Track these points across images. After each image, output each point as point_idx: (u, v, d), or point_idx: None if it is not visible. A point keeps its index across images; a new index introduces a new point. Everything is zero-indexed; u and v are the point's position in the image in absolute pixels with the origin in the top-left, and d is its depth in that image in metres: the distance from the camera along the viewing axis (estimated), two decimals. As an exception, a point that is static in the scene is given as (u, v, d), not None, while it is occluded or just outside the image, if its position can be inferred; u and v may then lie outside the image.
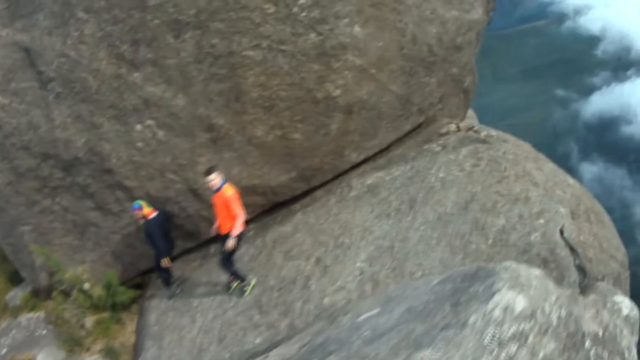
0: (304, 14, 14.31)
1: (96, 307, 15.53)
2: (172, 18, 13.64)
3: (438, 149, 17.43)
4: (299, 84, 14.90)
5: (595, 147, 64.55)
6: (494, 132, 17.95)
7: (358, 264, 14.61)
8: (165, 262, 14.92)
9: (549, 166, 16.42)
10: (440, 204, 15.12)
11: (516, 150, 16.57)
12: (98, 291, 15.52)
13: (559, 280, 12.94)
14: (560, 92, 69.41)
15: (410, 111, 17.72)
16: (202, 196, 15.36)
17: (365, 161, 17.78)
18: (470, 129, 18.47)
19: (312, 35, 14.57)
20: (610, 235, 15.72)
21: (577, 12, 79.37)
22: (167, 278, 15.58)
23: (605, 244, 15.01)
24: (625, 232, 15.67)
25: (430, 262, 13.88)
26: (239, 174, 15.53)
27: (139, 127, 14.71)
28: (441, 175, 16.01)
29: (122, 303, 15.82)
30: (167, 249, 15.10)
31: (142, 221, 14.88)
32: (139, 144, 14.83)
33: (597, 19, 77.37)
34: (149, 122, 14.64)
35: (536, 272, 7.49)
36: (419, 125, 18.59)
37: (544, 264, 13.33)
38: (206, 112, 14.69)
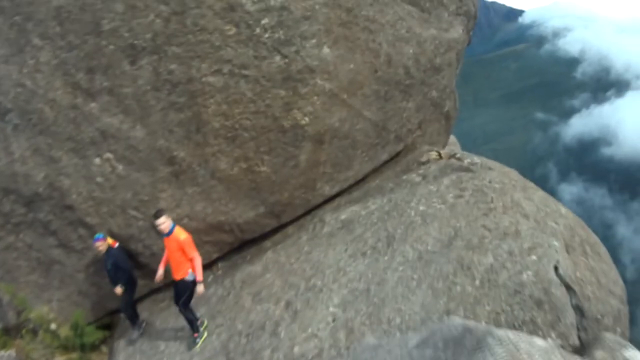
0: (267, 35, 13.10)
1: (65, 348, 14.61)
2: (128, 43, 12.78)
3: (418, 179, 15.75)
4: (264, 111, 13.74)
5: (575, 168, 63.82)
6: (477, 159, 16.28)
7: (331, 309, 12.90)
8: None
9: (539, 195, 14.72)
10: (420, 241, 13.39)
11: (502, 179, 14.87)
12: (66, 331, 14.63)
13: (554, 324, 11.42)
14: (540, 115, 69.01)
15: (386, 139, 16.22)
16: None
17: (339, 194, 16.24)
18: (452, 156, 16.84)
19: (277, 58, 13.36)
20: (608, 268, 13.97)
21: (556, 34, 78.82)
22: (133, 318, 14.57)
23: (603, 279, 13.29)
24: (608, 252, 13.94)
25: (410, 307, 12.15)
26: (203, 210, 14.48)
27: (97, 160, 13.72)
28: (421, 208, 14.28)
29: (91, 344, 14.89)
30: (133, 280, 14.22)
31: (102, 253, 13.82)
32: (99, 179, 13.83)
33: (576, 40, 76.91)
34: (108, 155, 13.66)
35: (540, 343, 5.67)
36: (397, 154, 17.04)
37: (537, 306, 11.69)
38: (166, 144, 13.61)
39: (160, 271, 13.50)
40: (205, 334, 13.67)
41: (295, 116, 14.01)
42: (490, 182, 14.78)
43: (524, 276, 12.14)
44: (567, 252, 13.00)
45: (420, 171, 16.14)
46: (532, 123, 68.39)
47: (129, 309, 14.52)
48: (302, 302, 13.40)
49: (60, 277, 14.95)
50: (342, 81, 14.27)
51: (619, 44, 73.79)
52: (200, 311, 14.28)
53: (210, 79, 13.10)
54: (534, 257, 12.48)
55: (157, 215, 12.78)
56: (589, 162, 63.57)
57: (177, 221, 13.64)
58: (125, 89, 13.09)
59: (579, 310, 12.05)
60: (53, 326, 14.68)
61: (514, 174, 15.87)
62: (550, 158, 65.08)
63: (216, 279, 15.32)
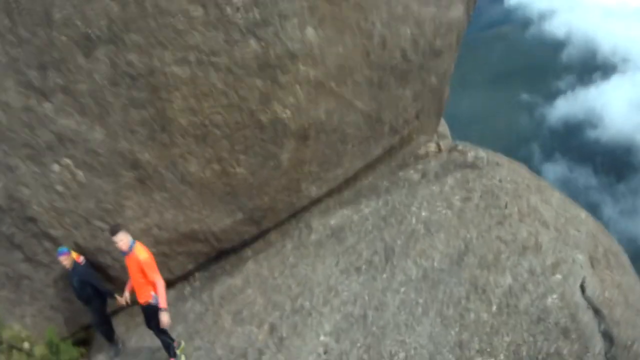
0: (239, 15, 10.94)
1: None
2: (81, 33, 10.94)
3: (417, 176, 13.46)
4: (238, 105, 11.69)
5: (560, 149, 61.97)
6: (482, 153, 14.00)
7: (322, 338, 10.83)
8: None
9: (556, 197, 12.54)
10: (425, 256, 11.12)
11: (514, 177, 12.61)
12: (41, 350, 13.24)
13: (582, 355, 9.71)
14: (526, 97, 66.73)
15: (380, 132, 13.89)
16: None
17: (328, 194, 13.91)
18: (453, 148, 14.52)
19: (252, 42, 11.21)
20: (633, 282, 11.97)
21: (542, 17, 76.42)
22: (108, 334, 13.05)
23: (631, 296, 11.23)
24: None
25: (415, 339, 10.03)
26: (174, 218, 12.73)
27: (56, 167, 12.11)
28: (424, 214, 11.97)
29: None
30: (104, 295, 12.57)
31: (69, 267, 12.35)
32: (59, 188, 12.24)
33: (562, 23, 74.62)
34: (66, 161, 12.01)
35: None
36: (392, 148, 14.53)
37: (563, 335, 9.80)
38: (128, 146, 11.87)
39: (126, 293, 11.91)
40: (183, 358, 11.91)
41: (275, 109, 11.86)
42: (500, 181, 12.52)
43: (549, 300, 10.17)
44: (592, 266, 11.02)
45: (419, 167, 13.86)
46: (518, 105, 66.28)
47: (102, 325, 13.00)
48: (288, 326, 11.39)
49: (30, 292, 13.51)
50: (329, 67, 12.01)
51: (606, 28, 71.59)
52: (176, 330, 12.41)
53: (175, 69, 11.17)
54: (558, 277, 10.48)
55: (114, 231, 11.14)
56: (575, 144, 61.74)
57: (145, 231, 12.49)
58: (81, 86, 11.31)
59: (607, 337, 10.21)
60: (26, 345, 13.36)
61: (523, 170, 13.69)
62: (536, 139, 63.09)
63: (193, 292, 13.48)
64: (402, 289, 10.74)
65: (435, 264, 10.94)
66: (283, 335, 11.26)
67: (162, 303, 11.02)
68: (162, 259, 12.90)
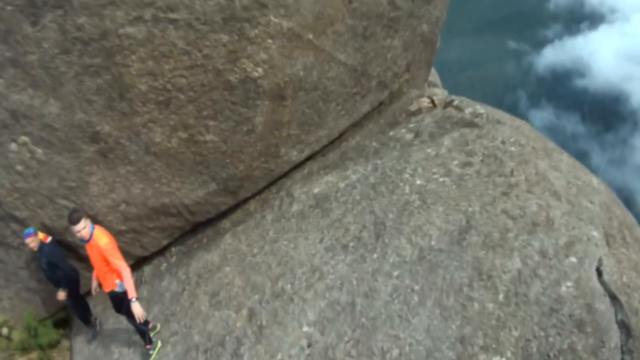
0: None
1: (24, 349, 12.50)
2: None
3: (409, 136, 11.59)
4: (203, 65, 10.04)
5: (548, 97, 60.38)
6: (481, 108, 12.13)
7: (305, 329, 9.09)
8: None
9: (565, 161, 10.73)
10: (421, 233, 9.30)
11: (518, 138, 10.77)
12: (19, 334, 12.56)
13: (597, 350, 8.06)
14: (514, 45, 64.73)
15: (367, 87, 12.02)
16: (104, 222, 11.36)
17: (311, 158, 12.15)
18: (448, 104, 12.62)
19: None
20: None
21: (530, -35, 73.85)
22: (84, 316, 12.05)
23: (648, 279, 9.41)
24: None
25: (411, 333, 8.33)
26: (142, 192, 11.33)
27: (13, 146, 10.94)
28: (418, 182, 10.12)
29: (49, 343, 12.63)
30: (75, 275, 11.58)
31: (36, 249, 11.26)
32: (19, 167, 11.06)
33: (550, -28, 72.05)
34: (24, 138, 10.80)
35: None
36: (381, 103, 12.71)
37: (578, 328, 8.12)
38: (86, 118, 10.47)
39: (94, 282, 10.90)
40: (159, 345, 10.70)
41: (245, 67, 10.05)
42: (503, 142, 10.68)
43: (562, 288, 8.43)
44: (608, 243, 9.22)
45: (411, 125, 11.97)
46: (505, 53, 64.30)
47: (77, 308, 11.96)
48: (268, 313, 9.72)
49: (4, 275, 12.54)
50: (306, 17, 10.10)
51: (593, -23, 69.37)
52: (153, 311, 11.28)
53: (129, 30, 9.64)
54: (573, 259, 8.71)
55: (73, 219, 9.91)
56: (562, 92, 60.06)
57: (112, 208, 11.36)
58: (31, 57, 9.98)
59: (624, 328, 8.56)
60: (5, 331, 12.64)
61: (527, 128, 11.79)
62: (523, 87, 61.43)
63: (169, 268, 12.04)
64: (395, 273, 8.95)
65: (433, 242, 9.13)
66: (263, 323, 9.60)
67: (131, 292, 9.78)
68: (134, 236, 11.81)
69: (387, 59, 11.85)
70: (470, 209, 9.39)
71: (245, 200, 12.04)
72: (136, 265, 12.17)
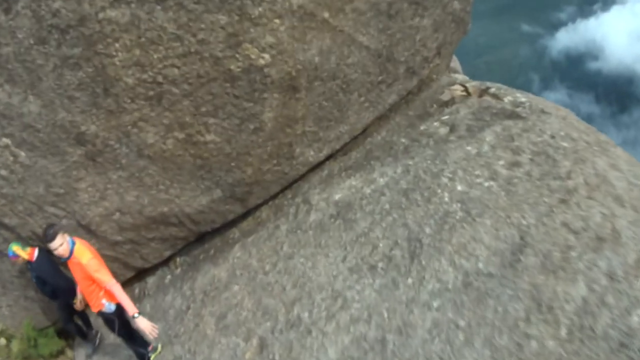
0: None
1: (25, 358, 11.44)
2: None
3: (443, 130, 9.47)
4: (198, 52, 7.95)
5: (561, 79, 58.11)
6: (522, 96, 9.92)
7: None
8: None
9: (622, 157, 8.65)
10: (465, 252, 7.18)
11: (568, 130, 8.67)
12: (18, 344, 11.43)
13: None
14: (527, 28, 62.34)
15: (394, 74, 9.84)
16: (98, 232, 9.86)
17: (331, 156, 10.07)
18: (484, 91, 10.44)
19: None
20: None
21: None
22: (79, 330, 10.65)
23: None
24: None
25: None
26: (137, 200, 9.51)
27: None
28: (460, 188, 8.00)
29: (50, 353, 11.48)
30: (69, 286, 9.83)
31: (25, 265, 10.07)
32: (3, 172, 9.48)
33: (562, -46, 69.26)
34: (5, 140, 9.15)
35: None
36: (408, 93, 10.55)
37: None
38: (69, 117, 8.64)
39: (79, 296, 9.69)
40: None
41: (248, 54, 7.91)
42: (553, 137, 8.52)
43: (634, 318, 6.35)
44: None
45: (445, 117, 9.85)
46: (520, 36, 61.88)
47: (70, 323, 10.50)
48: (281, 346, 7.82)
49: (2, 283, 11.18)
50: None
51: (606, -43, 66.53)
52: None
53: (111, 13, 7.66)
54: None
55: (48, 236, 8.49)
56: (576, 75, 57.58)
57: (106, 217, 9.69)
58: (5, 49, 8.25)
59: None
60: (2, 341, 11.63)
61: (573, 118, 9.60)
62: (537, 71, 59.13)
63: (174, 281, 10.24)
64: (435, 304, 6.87)
65: (481, 265, 7.02)
66: (275, 357, 7.71)
67: (130, 308, 8.20)
68: (132, 247, 10.16)
69: (416, 42, 9.70)
70: (524, 222, 7.27)
71: (257, 207, 10.05)
72: (139, 276, 10.73)
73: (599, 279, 6.63)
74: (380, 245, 7.88)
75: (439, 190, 8.14)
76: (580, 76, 58.79)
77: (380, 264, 7.67)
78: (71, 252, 8.49)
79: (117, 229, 9.77)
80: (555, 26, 64.62)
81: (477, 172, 8.16)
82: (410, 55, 9.75)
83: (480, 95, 10.36)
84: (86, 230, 9.92)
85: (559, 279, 6.66)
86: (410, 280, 7.26)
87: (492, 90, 10.34)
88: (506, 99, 9.89)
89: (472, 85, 10.80)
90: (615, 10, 65.25)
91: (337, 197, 9.03)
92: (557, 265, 6.77)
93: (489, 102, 9.94)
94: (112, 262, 10.20)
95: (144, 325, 8.18)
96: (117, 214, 9.62)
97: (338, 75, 8.80)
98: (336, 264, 8.03)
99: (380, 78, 9.52)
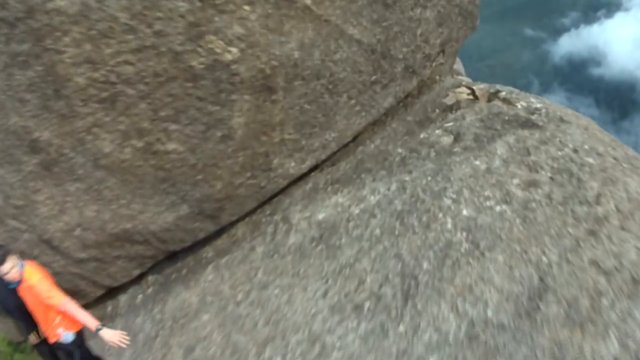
0: None
1: None
2: None
3: (447, 139, 7.94)
4: (154, 46, 6.45)
5: (562, 83, 57.22)
6: (537, 102, 8.34)
7: None
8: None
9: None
10: (471, 296, 5.61)
11: (593, 143, 7.18)
12: None
13: None
14: (531, 32, 61.38)
15: (390, 73, 8.23)
16: (61, 249, 8.48)
17: (316, 166, 8.52)
18: (494, 95, 8.91)
19: None
20: None
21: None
22: (52, 354, 8.87)
23: None
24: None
25: None
26: (97, 215, 8.03)
27: None
28: (465, 212, 6.43)
29: None
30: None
31: None
32: None
33: (567, -40, 67.94)
34: None
35: None
36: (407, 96, 8.94)
37: None
38: (21, 122, 7.31)
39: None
40: None
41: (212, 47, 6.38)
42: (576, 151, 6.97)
43: None
44: None
45: (449, 124, 8.27)
46: (524, 40, 60.80)
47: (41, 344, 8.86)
48: None
49: None
50: None
51: (610, -35, 65.24)
52: (125, 354, 8.28)
53: (59, 2, 6.30)
54: None
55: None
56: (578, 80, 56.49)
57: (67, 233, 8.29)
58: None
59: None
60: None
61: (595, 127, 8.07)
62: (539, 75, 58.16)
63: (145, 301, 8.85)
64: (432, 359, 5.25)
65: (490, 313, 5.42)
66: (242, 412, 6.03)
67: (90, 322, 7.27)
68: (98, 265, 8.78)
69: (417, 37, 8.12)
70: (544, 259, 5.69)
71: (232, 222, 8.52)
72: (111, 293, 9.49)
73: (634, 333, 5.09)
74: (368, 280, 6.30)
75: (441, 215, 6.55)
76: (582, 81, 57.98)
77: (367, 304, 6.10)
78: (22, 276, 7.46)
79: (79, 245, 8.44)
80: (559, 31, 63.70)
81: (486, 193, 6.58)
82: (410, 52, 8.18)
83: (489, 100, 8.84)
84: (48, 246, 8.69)
85: (586, 333, 5.10)
86: (402, 328, 5.69)
87: (503, 94, 8.82)
88: (519, 105, 8.38)
89: (479, 88, 9.27)
90: (619, 17, 64.28)
91: (320, 216, 7.48)
92: (584, 315, 5.22)
93: (500, 107, 8.42)
94: (80, 279, 9.10)
95: (109, 336, 7.19)
96: (78, 229, 8.29)
97: (323, 73, 7.23)
98: (315, 300, 6.49)
99: (374, 78, 7.94)
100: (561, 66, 60.93)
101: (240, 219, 8.48)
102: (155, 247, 8.51)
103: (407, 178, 7.35)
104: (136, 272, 9.06)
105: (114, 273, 8.96)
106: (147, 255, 8.77)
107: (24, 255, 8.06)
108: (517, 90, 9.07)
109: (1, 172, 7.98)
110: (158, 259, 8.94)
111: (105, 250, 8.56)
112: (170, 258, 9.05)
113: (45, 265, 8.65)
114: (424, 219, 6.60)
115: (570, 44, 62.26)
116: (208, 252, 8.69)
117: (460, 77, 10.17)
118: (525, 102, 8.45)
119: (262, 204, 8.39)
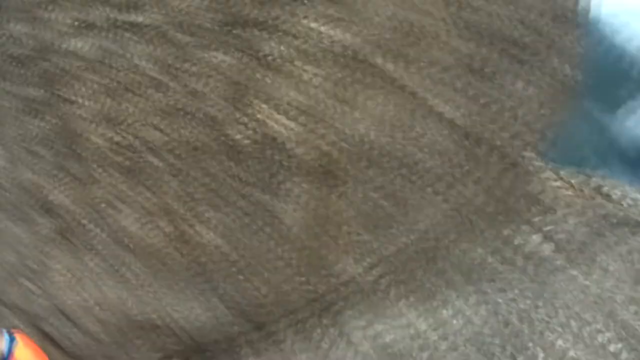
0: None
1: None
2: None
3: (547, 248, 6.24)
4: (188, 109, 5.30)
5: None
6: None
7: None
8: None
9: None
10: None
11: None
12: None
13: None
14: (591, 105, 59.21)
15: (485, 164, 6.70)
16: (79, 325, 7.35)
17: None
18: (596, 190, 7.15)
19: None
20: None
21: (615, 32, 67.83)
22: None
23: None
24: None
25: None
26: (119, 298, 7.04)
27: None
28: (573, 353, 4.53)
29: None
30: None
31: None
32: None
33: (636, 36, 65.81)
34: None
35: None
36: (499, 190, 7.00)
37: None
38: (35, 179, 6.73)
39: None
40: None
41: (263, 118, 5.14)
42: None
43: None
44: None
45: (548, 228, 6.46)
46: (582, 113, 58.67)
47: None
48: None
49: None
50: (379, 25, 5.06)
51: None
52: None
53: (77, 43, 5.44)
54: None
55: None
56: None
57: (85, 310, 7.26)
58: None
59: None
60: None
61: None
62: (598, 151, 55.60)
63: None
64: None
65: None
66: None
67: None
68: (119, 349, 7.59)
69: (518, 118, 6.46)
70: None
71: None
72: None
73: None
74: None
75: (542, 355, 4.80)
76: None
77: None
78: (9, 352, 5.79)
79: (99, 326, 7.46)
80: (619, 104, 61.62)
81: (598, 326, 4.83)
82: (509, 139, 6.54)
83: (592, 197, 7.10)
84: (66, 318, 7.76)
85: None
86: None
87: (605, 189, 7.09)
88: (624, 203, 6.67)
89: (578, 181, 7.47)
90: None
91: (388, 338, 5.81)
92: None
93: (605, 206, 6.70)
94: (102, 358, 7.93)
95: None
96: (97, 308, 7.35)
97: (405, 161, 5.62)
98: None
99: (465, 169, 6.31)
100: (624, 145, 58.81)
101: (284, 315, 6.92)
102: (184, 343, 7.23)
103: (499, 300, 5.63)
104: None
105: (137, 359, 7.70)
106: (176, 350, 7.47)
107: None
108: (615, 180, 7.39)
109: (14, 229, 7.40)
110: (186, 354, 7.53)
111: (128, 337, 7.48)
112: (201, 351, 7.49)
113: (62, 335, 7.74)
114: (519, 355, 4.90)
115: (634, 121, 60.10)
116: (245, 350, 7.14)
117: (554, 166, 8.50)
118: (631, 199, 6.85)
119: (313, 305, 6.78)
